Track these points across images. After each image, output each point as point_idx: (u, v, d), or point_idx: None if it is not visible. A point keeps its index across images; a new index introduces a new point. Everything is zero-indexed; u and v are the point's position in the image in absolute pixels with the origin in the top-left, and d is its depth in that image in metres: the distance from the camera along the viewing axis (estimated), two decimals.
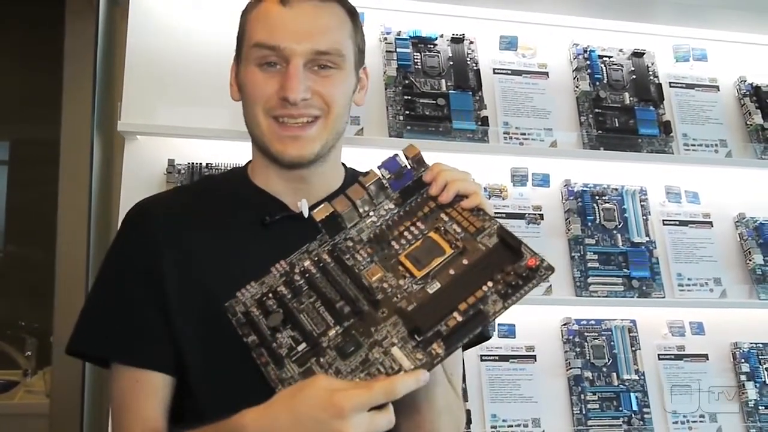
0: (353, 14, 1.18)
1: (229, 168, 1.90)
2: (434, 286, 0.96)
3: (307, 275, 1.03)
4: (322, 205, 1.06)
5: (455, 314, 0.91)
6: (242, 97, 1.16)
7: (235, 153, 1.88)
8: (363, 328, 0.95)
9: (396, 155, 1.08)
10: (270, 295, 1.02)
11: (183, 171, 1.97)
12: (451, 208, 1.04)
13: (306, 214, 1.15)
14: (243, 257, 1.12)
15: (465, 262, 0.97)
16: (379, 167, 1.08)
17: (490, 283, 0.93)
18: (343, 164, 1.27)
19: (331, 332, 0.96)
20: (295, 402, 0.87)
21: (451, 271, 0.97)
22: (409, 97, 2.10)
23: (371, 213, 1.07)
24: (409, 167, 1.08)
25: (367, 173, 1.07)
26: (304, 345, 0.95)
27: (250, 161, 1.25)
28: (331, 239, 1.05)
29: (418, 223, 1.04)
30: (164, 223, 1.14)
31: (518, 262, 0.94)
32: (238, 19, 1.19)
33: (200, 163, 1.98)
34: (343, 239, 1.05)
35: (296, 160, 1.13)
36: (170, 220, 1.15)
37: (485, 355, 2.11)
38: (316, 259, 1.04)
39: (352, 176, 1.26)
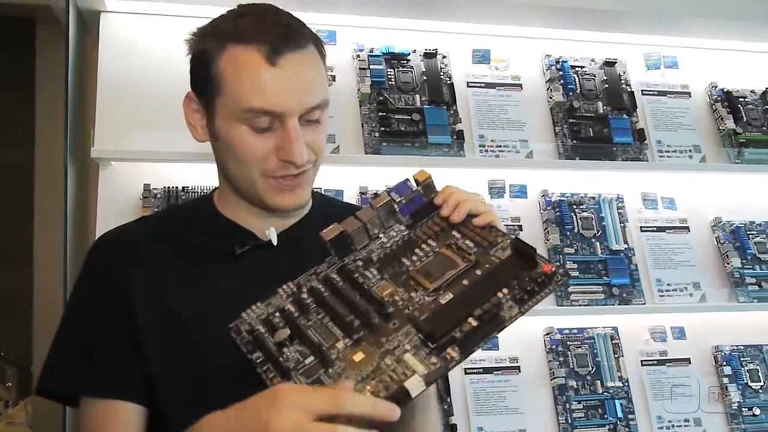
0: (320, 45, 1.14)
1: (205, 190, 1.90)
2: (447, 297, 0.97)
3: (315, 293, 1.02)
4: (331, 226, 1.05)
5: (470, 320, 0.92)
6: (223, 149, 1.12)
7: (212, 175, 1.86)
8: (373, 339, 0.94)
9: (407, 180, 1.10)
10: (277, 314, 1.01)
11: (159, 195, 1.96)
12: (463, 226, 1.06)
13: (275, 242, 1.15)
14: (213, 287, 1.12)
15: (478, 272, 0.99)
16: (389, 191, 1.09)
17: (505, 290, 0.95)
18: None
19: (340, 344, 0.95)
20: (249, 399, 0.87)
21: (465, 282, 0.98)
22: (384, 114, 2.10)
23: (381, 235, 1.07)
24: (419, 192, 1.10)
25: (377, 195, 1.08)
26: (311, 358, 0.94)
27: (216, 189, 1.23)
28: (340, 260, 1.05)
29: (429, 241, 1.06)
30: (128, 249, 1.13)
31: (534, 269, 0.96)
32: (193, 58, 1.14)
33: (176, 187, 1.97)
34: (353, 260, 1.05)
35: (292, 209, 1.15)
36: (135, 246, 1.14)
37: (469, 369, 2.11)
38: (325, 278, 1.04)
39: (319, 199, 1.27)
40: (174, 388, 1.08)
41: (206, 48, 1.10)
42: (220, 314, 1.07)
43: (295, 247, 1.17)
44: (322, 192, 1.95)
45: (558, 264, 0.95)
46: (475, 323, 0.91)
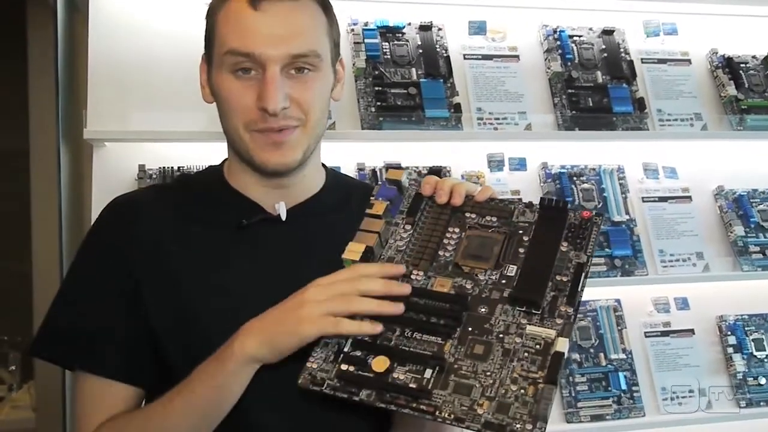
0: (327, 8, 1.12)
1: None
2: (513, 269, 0.99)
3: (374, 315, 0.96)
4: (350, 246, 1.00)
5: (557, 277, 0.96)
6: (218, 103, 1.11)
7: (207, 155, 1.82)
8: (477, 329, 0.94)
9: (384, 182, 1.08)
10: (348, 347, 0.95)
11: (155, 176, 1.94)
12: (468, 207, 1.06)
13: (284, 216, 1.13)
14: (220, 262, 1.10)
15: (525, 239, 1.01)
16: (375, 198, 1.06)
17: (565, 243, 0.99)
18: (323, 165, 1.24)
19: (447, 347, 0.93)
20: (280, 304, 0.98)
21: (520, 250, 1.00)
22: (380, 88, 2.07)
23: (390, 241, 1.05)
24: (396, 190, 1.08)
25: (372, 204, 1.05)
26: (430, 371, 0.91)
27: (226, 159, 1.21)
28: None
29: (450, 228, 1.04)
30: (135, 219, 1.11)
31: (572, 218, 1.01)
32: (204, 17, 1.14)
33: (172, 167, 1.95)
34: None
35: (280, 168, 1.10)
36: (143, 216, 1.12)
37: None
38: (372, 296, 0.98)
39: (333, 176, 1.23)
40: (186, 364, 1.05)
41: (213, 4, 1.11)
42: (227, 286, 1.08)
43: (305, 224, 1.14)
44: None
45: (590, 209, 0.98)
46: (563, 278, 0.96)
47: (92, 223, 1.17)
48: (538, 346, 0.91)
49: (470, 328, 0.94)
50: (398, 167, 2.04)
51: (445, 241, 1.03)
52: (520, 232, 1.02)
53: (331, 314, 0.93)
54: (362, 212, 1.05)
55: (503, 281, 0.98)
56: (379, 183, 1.10)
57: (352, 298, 0.94)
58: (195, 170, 1.94)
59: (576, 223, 1.01)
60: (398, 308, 0.95)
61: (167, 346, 1.07)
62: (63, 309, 1.10)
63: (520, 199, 1.03)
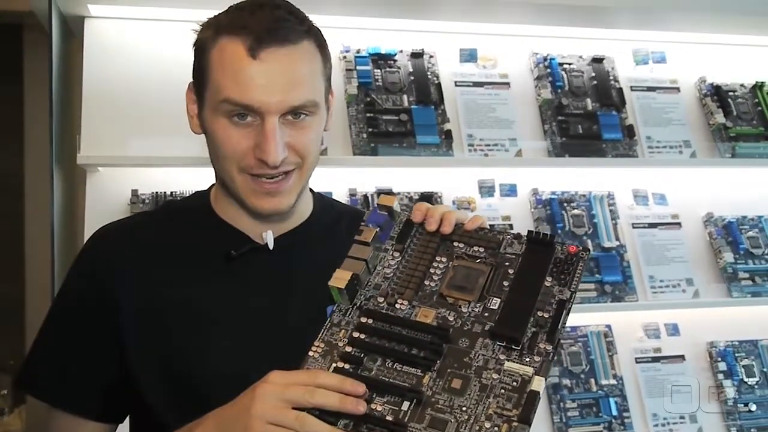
0: (323, 45, 1.10)
1: None
2: (496, 302, 0.99)
3: (359, 343, 0.96)
4: (336, 274, 0.99)
5: (539, 313, 0.96)
6: (209, 141, 1.09)
7: (200, 180, 1.84)
8: (456, 363, 0.93)
9: (376, 208, 1.08)
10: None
11: (147, 201, 1.96)
12: (456, 236, 1.05)
13: (271, 245, 1.12)
14: (207, 293, 1.09)
15: (510, 271, 1.01)
16: (365, 224, 1.06)
17: (549, 278, 0.99)
18: (311, 189, 1.23)
19: (426, 379, 0.92)
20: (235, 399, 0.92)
21: (504, 283, 1.00)
22: (372, 114, 2.09)
23: (378, 267, 1.04)
24: (387, 217, 1.07)
25: (361, 231, 1.04)
26: (407, 403, 0.91)
27: (213, 185, 1.20)
28: (351, 304, 1.01)
29: (438, 257, 1.04)
30: (123, 256, 1.11)
31: (559, 252, 1.01)
32: (193, 49, 1.11)
33: (164, 192, 1.96)
34: (366, 299, 1.01)
35: (273, 213, 1.10)
36: (128, 247, 1.12)
37: None
38: (358, 325, 0.98)
39: (320, 201, 1.23)
40: (167, 397, 1.06)
41: (202, 38, 1.08)
42: (215, 319, 1.07)
43: (293, 252, 1.14)
44: None
45: (576, 243, 0.97)
46: (545, 314, 0.95)
47: (76, 257, 1.16)
48: (515, 383, 0.90)
49: (450, 361, 0.93)
50: (390, 193, 2.06)
51: (432, 270, 1.03)
52: (507, 263, 1.02)
53: (276, 424, 0.87)
54: (351, 237, 1.05)
55: (486, 314, 0.97)
56: (371, 209, 1.10)
57: (304, 418, 0.86)
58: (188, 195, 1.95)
59: (562, 257, 1.01)
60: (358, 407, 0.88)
61: (148, 379, 1.06)
62: (42, 345, 1.12)
63: (508, 230, 1.03)
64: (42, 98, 2.15)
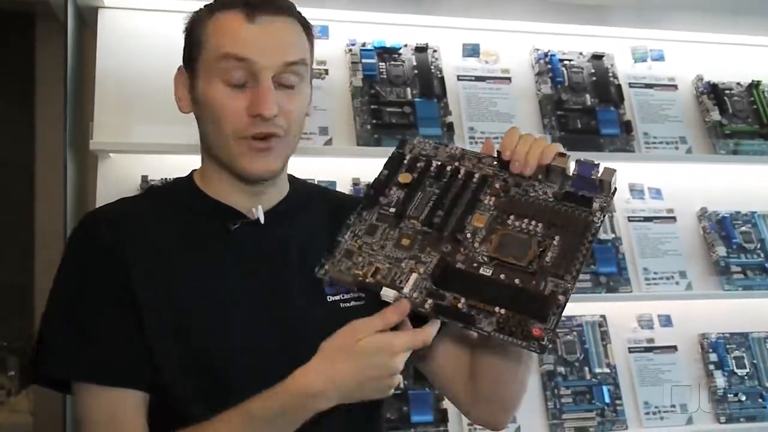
0: (309, 29, 1.17)
1: None
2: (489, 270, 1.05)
3: (444, 175, 1.13)
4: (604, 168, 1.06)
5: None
6: (202, 112, 1.13)
7: None
8: (428, 242, 1.07)
9: (595, 165, 1.08)
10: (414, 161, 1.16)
11: (174, 178, 2.00)
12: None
13: (262, 219, 1.15)
14: (212, 267, 1.12)
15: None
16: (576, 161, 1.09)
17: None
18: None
19: (416, 222, 1.09)
20: (351, 348, 1.01)
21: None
22: (376, 107, 2.15)
23: (535, 185, 1.09)
24: (593, 181, 1.07)
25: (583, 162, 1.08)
26: (394, 210, 1.11)
27: (193, 171, 1.23)
28: (502, 171, 1.11)
29: (535, 221, 1.06)
30: (120, 227, 1.11)
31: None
32: (185, 30, 1.16)
33: (174, 178, 2.01)
34: (501, 179, 1.10)
35: (263, 175, 1.13)
36: (126, 224, 1.12)
37: None
38: (471, 170, 1.12)
39: (294, 181, 1.26)
40: (183, 374, 1.07)
41: (196, 19, 1.15)
42: (221, 293, 1.10)
43: (282, 224, 1.18)
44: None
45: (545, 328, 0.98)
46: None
47: (71, 238, 1.14)
48: (394, 282, 1.05)
49: (429, 239, 1.08)
50: None
51: (525, 222, 1.07)
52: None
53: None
54: (325, 213, 1.19)
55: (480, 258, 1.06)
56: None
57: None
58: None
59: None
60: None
61: (160, 350, 1.07)
62: (59, 327, 1.08)
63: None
64: (54, 86, 2.20)
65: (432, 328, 1.04)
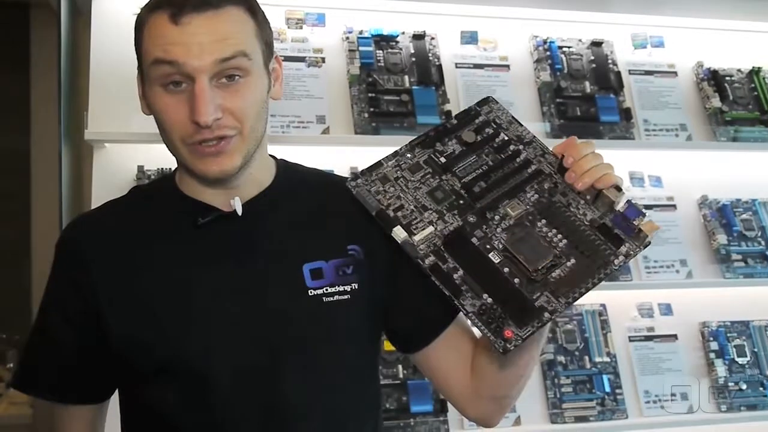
0: (254, 11, 1.10)
1: None
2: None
3: (505, 151, 1.13)
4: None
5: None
6: (154, 117, 1.10)
7: None
8: (458, 206, 1.09)
9: (639, 210, 1.06)
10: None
11: (153, 176, 1.99)
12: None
13: (239, 211, 1.12)
14: (181, 263, 1.11)
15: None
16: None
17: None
18: (273, 156, 1.23)
19: (457, 181, 1.11)
20: None
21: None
22: (374, 95, 2.13)
23: (580, 202, 1.08)
24: (632, 224, 1.05)
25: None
26: (444, 161, 1.13)
27: (176, 169, 1.21)
28: (557, 174, 1.10)
29: (562, 236, 1.05)
30: (92, 244, 1.13)
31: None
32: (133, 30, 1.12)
33: (170, 168, 1.98)
34: (552, 181, 1.10)
35: (220, 176, 1.09)
36: (99, 240, 1.14)
37: None
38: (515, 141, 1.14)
39: (284, 167, 1.22)
40: (159, 380, 1.09)
41: (138, 19, 1.10)
42: (195, 290, 1.09)
43: (260, 216, 1.14)
44: None
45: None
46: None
47: (54, 253, 1.17)
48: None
49: (467, 207, 1.09)
50: None
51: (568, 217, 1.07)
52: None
53: None
54: (316, 199, 1.17)
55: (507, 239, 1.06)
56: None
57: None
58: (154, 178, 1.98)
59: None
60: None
61: (133, 354, 1.09)
62: (31, 340, 1.18)
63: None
64: (49, 76, 2.19)
65: None
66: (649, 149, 2.34)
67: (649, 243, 1.05)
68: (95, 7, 2.05)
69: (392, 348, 2.02)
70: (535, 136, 1.16)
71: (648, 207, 2.33)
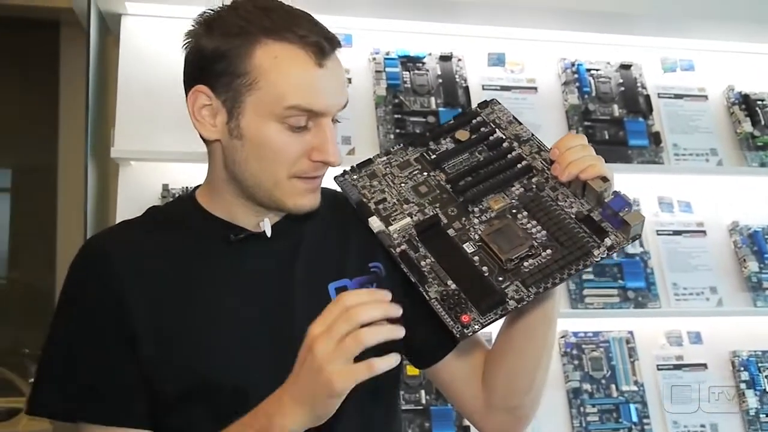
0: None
1: None
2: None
3: (497, 148, 1.13)
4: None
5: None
6: (245, 147, 1.05)
7: None
8: (441, 199, 1.10)
9: (627, 202, 1.01)
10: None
11: (178, 195, 1.99)
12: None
13: (269, 233, 1.11)
14: (211, 282, 1.08)
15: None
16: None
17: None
18: None
19: (443, 176, 1.12)
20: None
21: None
22: (399, 116, 2.12)
23: (569, 196, 1.06)
24: (620, 218, 1.00)
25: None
26: (434, 158, 1.15)
27: (196, 188, 1.18)
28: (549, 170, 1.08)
29: (541, 227, 1.04)
30: (126, 258, 1.07)
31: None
32: (223, 45, 1.03)
33: (188, 187, 2.00)
34: (544, 176, 1.08)
35: (310, 210, 1.10)
36: (129, 253, 1.08)
37: None
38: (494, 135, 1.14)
39: None
40: (183, 400, 1.05)
41: (228, 42, 1.03)
42: (219, 310, 1.07)
43: (288, 238, 1.13)
44: None
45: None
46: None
47: (69, 269, 1.10)
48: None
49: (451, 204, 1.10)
50: None
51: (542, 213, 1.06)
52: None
53: (350, 360, 0.90)
54: (334, 218, 1.17)
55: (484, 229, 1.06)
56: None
57: (358, 335, 0.90)
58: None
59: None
60: (400, 332, 0.92)
61: (161, 376, 1.05)
62: (57, 362, 1.06)
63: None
64: (77, 93, 2.20)
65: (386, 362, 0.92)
66: (679, 174, 2.30)
67: (639, 236, 1.01)
68: (124, 26, 2.07)
69: (416, 372, 2.04)
70: (533, 134, 1.14)
71: (677, 233, 2.30)
